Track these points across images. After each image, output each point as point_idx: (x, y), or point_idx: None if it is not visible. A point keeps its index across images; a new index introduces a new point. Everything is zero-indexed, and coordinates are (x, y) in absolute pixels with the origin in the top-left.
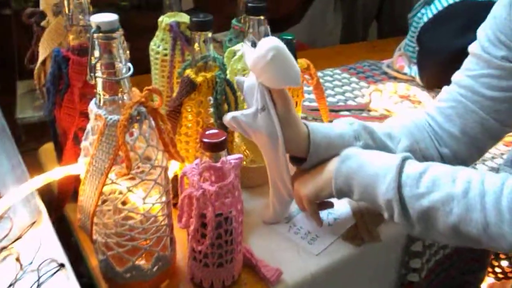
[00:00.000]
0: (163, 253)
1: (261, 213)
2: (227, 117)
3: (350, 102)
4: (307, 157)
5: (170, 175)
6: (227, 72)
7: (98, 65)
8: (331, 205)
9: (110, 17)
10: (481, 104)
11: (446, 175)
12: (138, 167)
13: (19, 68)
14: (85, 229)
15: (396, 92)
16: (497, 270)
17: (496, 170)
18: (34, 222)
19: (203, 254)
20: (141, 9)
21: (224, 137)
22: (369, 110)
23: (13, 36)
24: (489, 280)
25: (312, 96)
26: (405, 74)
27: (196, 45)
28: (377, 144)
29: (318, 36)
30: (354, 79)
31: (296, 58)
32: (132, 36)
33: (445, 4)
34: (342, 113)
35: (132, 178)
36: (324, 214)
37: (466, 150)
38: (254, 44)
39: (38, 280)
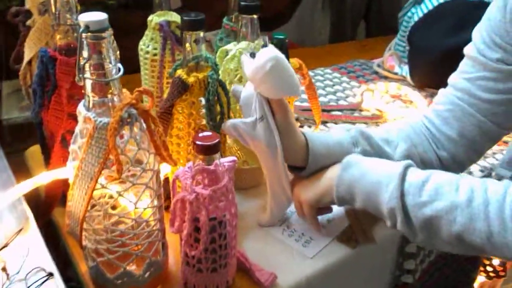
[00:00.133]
0: (155, 258)
1: (254, 215)
2: (227, 124)
3: (341, 102)
4: (305, 166)
5: (161, 178)
6: (220, 72)
7: (87, 66)
8: (330, 210)
9: (99, 16)
10: (478, 107)
11: (448, 183)
12: (129, 171)
13: (4, 68)
14: (74, 235)
15: (387, 92)
16: (489, 269)
17: (488, 169)
18: (21, 229)
19: (196, 259)
20: (128, 8)
21: (217, 140)
22: (361, 110)
23: None
24: (480, 279)
25: (304, 96)
26: (395, 73)
27: (188, 44)
28: (375, 150)
29: (306, 36)
30: (345, 78)
31: (288, 57)
32: (119, 35)
33: (436, 3)
34: (333, 113)
35: (123, 182)
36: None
37: (464, 153)
38: (253, 55)
39: None
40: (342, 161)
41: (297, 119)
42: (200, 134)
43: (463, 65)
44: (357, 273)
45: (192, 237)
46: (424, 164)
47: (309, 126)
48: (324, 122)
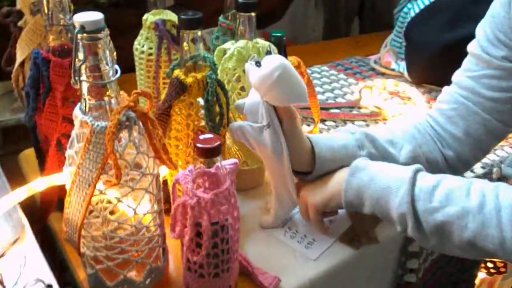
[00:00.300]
0: (155, 264)
1: (255, 216)
2: (234, 126)
3: (339, 100)
4: (311, 171)
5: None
6: (218, 71)
7: (83, 68)
8: (335, 213)
9: (95, 16)
10: (483, 106)
11: (459, 188)
12: (128, 175)
13: None
14: (72, 243)
15: (385, 89)
16: (489, 265)
17: (489, 165)
18: (17, 239)
19: (198, 264)
20: (120, 7)
21: (218, 142)
22: (360, 107)
23: None
24: (480, 275)
25: None
26: (392, 70)
27: (185, 44)
28: (380, 152)
29: (300, 33)
30: (342, 75)
31: (286, 55)
32: (112, 34)
33: None
34: (332, 110)
35: (121, 187)
36: None
37: (470, 152)
38: (258, 64)
39: None
40: (350, 166)
41: None
42: (201, 137)
43: (467, 62)
44: (360, 274)
45: (194, 242)
46: (430, 163)
47: (308, 125)
48: (322, 120)
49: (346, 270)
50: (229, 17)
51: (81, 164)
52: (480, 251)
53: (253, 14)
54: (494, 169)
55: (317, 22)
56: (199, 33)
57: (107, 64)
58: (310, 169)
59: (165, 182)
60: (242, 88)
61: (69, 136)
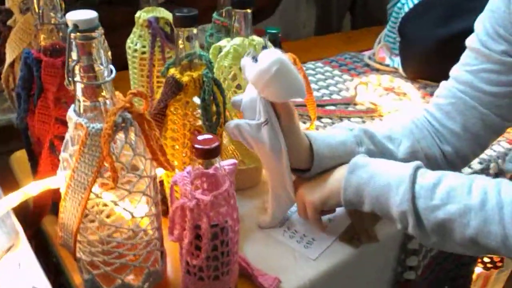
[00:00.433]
0: (154, 268)
1: (253, 216)
2: (231, 125)
3: (335, 96)
4: (309, 168)
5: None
6: (214, 69)
7: (76, 68)
8: (333, 211)
9: (89, 14)
10: (481, 100)
11: (461, 186)
12: (124, 177)
13: None
14: (68, 248)
15: (380, 85)
16: (486, 260)
17: (486, 161)
18: (11, 246)
19: (197, 267)
20: (112, 4)
21: (217, 143)
22: (355, 104)
23: None
24: (477, 270)
25: None
26: (387, 65)
27: (180, 42)
28: (378, 148)
29: (291, 29)
30: (336, 72)
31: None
32: (103, 32)
33: None
34: (327, 107)
35: (117, 189)
36: None
37: (468, 147)
38: (254, 59)
39: None
40: (349, 163)
41: None
42: (199, 137)
43: (465, 57)
44: (360, 272)
45: (193, 245)
46: (428, 159)
47: (304, 122)
48: (318, 118)
49: (346, 269)
50: (223, 14)
51: (76, 167)
52: (482, 248)
53: (249, 10)
54: (492, 165)
55: (309, 18)
56: (195, 30)
57: (101, 64)
58: (308, 166)
59: (160, 183)
60: (238, 86)
61: (62, 137)
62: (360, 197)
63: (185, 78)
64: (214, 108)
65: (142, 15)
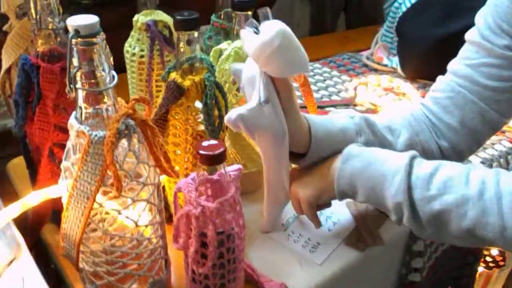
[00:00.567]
0: (158, 277)
1: (256, 221)
2: (232, 116)
3: (334, 97)
4: (305, 153)
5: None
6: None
7: (78, 74)
8: (329, 205)
9: (90, 19)
10: (481, 95)
11: (458, 175)
12: (127, 185)
13: None
14: (70, 258)
15: (379, 85)
16: (488, 259)
17: (489, 160)
18: (13, 259)
19: (203, 275)
20: (104, 7)
21: (223, 149)
22: (355, 105)
23: None
24: (479, 269)
25: (297, 92)
26: (385, 65)
27: (181, 45)
28: (378, 139)
29: None
30: (335, 73)
31: None
32: None
33: None
34: (327, 109)
35: (121, 198)
36: (322, 219)
37: (465, 142)
38: (256, 30)
39: None
40: (342, 153)
41: None
42: (204, 143)
43: (465, 51)
44: (365, 276)
45: (199, 253)
46: (426, 153)
47: None
48: None
49: (352, 273)
50: (222, 16)
51: (78, 176)
52: (479, 240)
53: (249, 12)
54: (494, 164)
55: (303, 17)
56: (196, 34)
57: (103, 70)
58: (305, 150)
59: (162, 188)
60: (239, 90)
61: (61, 145)
62: (353, 187)
63: (186, 83)
64: (216, 112)
65: (140, 19)
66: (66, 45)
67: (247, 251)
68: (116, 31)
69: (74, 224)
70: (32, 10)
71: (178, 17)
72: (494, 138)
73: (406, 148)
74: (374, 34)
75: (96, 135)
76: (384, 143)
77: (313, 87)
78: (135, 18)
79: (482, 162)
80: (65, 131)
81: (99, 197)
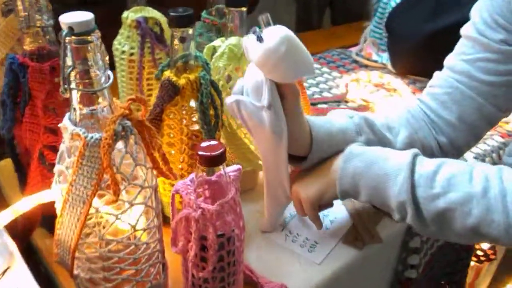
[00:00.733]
0: (156, 281)
1: (252, 221)
2: (230, 99)
3: (325, 94)
4: (305, 155)
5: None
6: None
7: (72, 74)
8: (331, 205)
9: (84, 16)
10: (478, 90)
11: (461, 173)
12: (125, 188)
13: None
14: (65, 265)
15: (370, 81)
16: (479, 253)
17: (481, 155)
18: (7, 269)
19: (202, 279)
20: (88, 4)
21: (223, 149)
22: (346, 102)
23: None
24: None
25: None
26: (375, 61)
27: (175, 42)
28: (378, 137)
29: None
30: (325, 69)
31: None
32: None
33: None
34: (319, 106)
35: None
36: None
37: (464, 138)
38: (259, 38)
39: None
40: (344, 152)
41: None
42: (203, 144)
43: (461, 46)
44: (364, 274)
45: (199, 256)
46: (425, 150)
47: None
48: None
49: (351, 271)
50: (213, 13)
51: (74, 180)
52: (482, 237)
53: (244, 9)
54: (487, 159)
55: (289, 14)
56: (190, 31)
57: (98, 69)
58: (306, 153)
59: None
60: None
61: (52, 147)
62: (356, 187)
63: (181, 81)
64: (211, 111)
65: (130, 15)
66: (55, 44)
67: (245, 251)
68: (104, 28)
69: (69, 230)
70: (20, 7)
71: (172, 14)
72: (486, 133)
73: (406, 146)
74: (360, 30)
75: (92, 137)
76: (384, 142)
77: (304, 84)
78: (124, 14)
79: (475, 157)
80: (55, 132)
81: (95, 202)
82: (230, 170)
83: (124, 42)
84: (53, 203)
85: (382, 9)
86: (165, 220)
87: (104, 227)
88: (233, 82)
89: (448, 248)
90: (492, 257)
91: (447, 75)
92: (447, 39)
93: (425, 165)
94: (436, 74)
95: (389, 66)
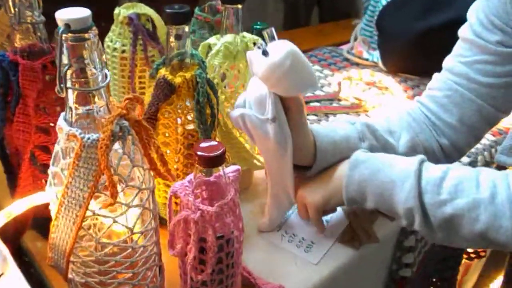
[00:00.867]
0: (153, 284)
1: (247, 221)
2: (236, 113)
3: (318, 92)
4: (310, 165)
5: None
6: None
7: (68, 73)
8: (334, 210)
9: (82, 12)
10: (477, 92)
11: (468, 179)
12: (122, 189)
13: None
14: (59, 269)
15: (361, 79)
16: (469, 250)
17: (474, 154)
18: (1, 274)
19: (201, 282)
20: (79, 0)
21: (223, 149)
22: (339, 100)
23: None
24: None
25: None
26: (366, 59)
27: (171, 40)
28: (380, 143)
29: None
30: (317, 67)
31: None
32: None
33: None
34: (312, 104)
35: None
36: None
37: (465, 139)
38: (265, 53)
39: None
40: (350, 159)
41: None
42: (202, 144)
43: (458, 48)
44: (360, 274)
45: (197, 259)
46: (427, 153)
47: None
48: None
49: (348, 271)
50: (206, 10)
51: (70, 182)
52: (490, 243)
53: (239, 6)
54: (479, 157)
55: (277, 11)
56: (186, 28)
57: (95, 67)
58: (310, 162)
59: None
60: (227, 86)
61: (43, 147)
62: (362, 194)
63: (177, 79)
64: (208, 110)
65: (121, 12)
66: (46, 41)
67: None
68: (96, 25)
69: (64, 233)
70: (10, 3)
71: (168, 10)
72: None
73: (408, 149)
74: (348, 28)
75: (89, 138)
76: (386, 147)
77: None
78: (116, 11)
79: (468, 156)
80: (47, 132)
81: (92, 204)
82: (229, 171)
83: (116, 39)
84: (45, 205)
85: (372, 7)
86: (160, 222)
87: (99, 230)
88: (228, 80)
89: (440, 246)
90: (482, 254)
91: (446, 77)
92: (438, 37)
93: (432, 171)
94: (435, 76)
95: (380, 64)
